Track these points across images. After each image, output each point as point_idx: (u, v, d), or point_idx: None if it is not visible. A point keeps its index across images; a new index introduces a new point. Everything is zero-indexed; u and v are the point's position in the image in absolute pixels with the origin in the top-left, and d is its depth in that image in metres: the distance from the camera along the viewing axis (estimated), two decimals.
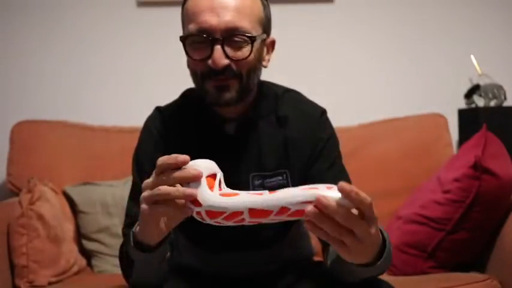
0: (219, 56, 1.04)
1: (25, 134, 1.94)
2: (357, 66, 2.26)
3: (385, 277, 1.17)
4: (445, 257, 1.58)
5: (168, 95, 1.32)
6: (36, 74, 2.18)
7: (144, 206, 0.88)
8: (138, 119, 1.73)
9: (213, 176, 0.87)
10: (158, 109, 1.22)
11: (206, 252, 1.21)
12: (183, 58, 1.16)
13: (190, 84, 1.26)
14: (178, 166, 0.85)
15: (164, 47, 2.19)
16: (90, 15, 2.19)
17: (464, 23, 2.28)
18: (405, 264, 1.61)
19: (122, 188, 1.83)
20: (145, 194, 0.87)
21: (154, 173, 0.87)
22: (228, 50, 1.05)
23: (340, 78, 2.26)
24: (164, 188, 0.84)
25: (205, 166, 0.86)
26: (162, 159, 0.85)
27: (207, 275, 1.24)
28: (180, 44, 1.09)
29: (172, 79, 2.15)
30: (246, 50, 1.06)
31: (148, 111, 1.25)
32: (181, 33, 1.11)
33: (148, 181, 0.87)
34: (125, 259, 1.04)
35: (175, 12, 2.19)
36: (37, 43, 2.17)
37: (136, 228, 0.96)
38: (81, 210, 1.83)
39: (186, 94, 1.24)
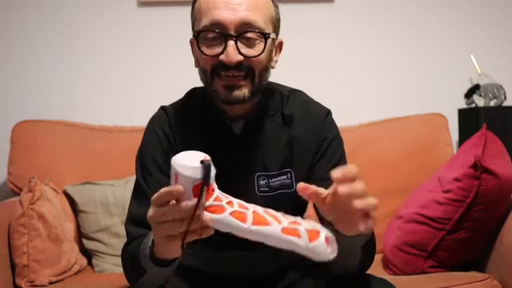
0: (233, 52, 1.04)
1: (26, 134, 1.94)
2: (357, 66, 2.26)
3: (384, 276, 1.17)
4: (445, 257, 1.58)
5: (169, 94, 1.32)
6: (37, 74, 2.17)
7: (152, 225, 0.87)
8: (138, 119, 1.74)
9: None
10: (163, 108, 1.21)
11: (207, 251, 1.21)
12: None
13: (191, 84, 1.26)
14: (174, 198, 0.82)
15: (164, 47, 2.19)
16: (91, 14, 2.19)
17: (465, 23, 2.28)
18: (405, 263, 1.62)
19: (122, 188, 1.83)
20: (150, 213, 0.85)
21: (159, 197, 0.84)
22: (241, 46, 1.05)
23: (340, 78, 2.25)
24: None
25: (189, 167, 0.80)
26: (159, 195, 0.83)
27: (208, 275, 1.24)
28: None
29: (172, 79, 2.17)
30: (258, 48, 1.07)
31: (149, 111, 1.25)
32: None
33: (153, 198, 0.85)
34: (132, 263, 1.04)
35: (176, 12, 2.21)
36: (37, 43, 2.17)
37: (149, 243, 0.96)
38: (81, 210, 1.83)
39: (191, 94, 1.24)
